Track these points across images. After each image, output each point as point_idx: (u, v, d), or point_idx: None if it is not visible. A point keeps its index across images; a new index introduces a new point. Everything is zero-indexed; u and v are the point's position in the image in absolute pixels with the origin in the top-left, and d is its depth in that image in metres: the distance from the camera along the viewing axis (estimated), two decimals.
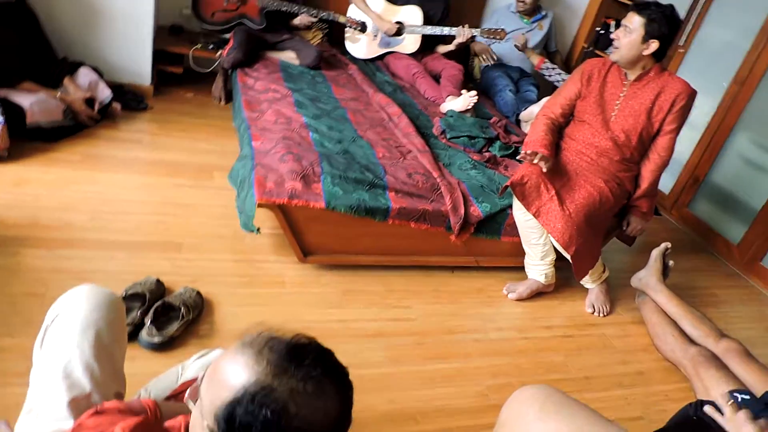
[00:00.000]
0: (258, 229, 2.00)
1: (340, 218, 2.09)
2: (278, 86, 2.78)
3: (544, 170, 2.15)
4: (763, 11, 3.02)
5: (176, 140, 2.83)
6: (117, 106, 2.85)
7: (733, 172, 3.21)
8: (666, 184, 3.46)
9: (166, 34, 3.35)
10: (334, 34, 3.68)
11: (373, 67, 3.53)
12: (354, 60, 3.53)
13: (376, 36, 3.56)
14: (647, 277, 2.42)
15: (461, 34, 3.36)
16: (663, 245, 2.45)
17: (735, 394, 1.88)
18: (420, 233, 2.25)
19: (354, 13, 3.51)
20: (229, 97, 3.29)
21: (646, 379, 2.13)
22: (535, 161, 2.13)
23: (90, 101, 2.70)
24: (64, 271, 1.86)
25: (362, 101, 2.91)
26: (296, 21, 3.26)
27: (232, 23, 3.20)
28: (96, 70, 2.83)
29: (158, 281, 1.85)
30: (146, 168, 2.57)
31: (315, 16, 3.27)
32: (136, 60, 3.08)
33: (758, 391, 1.91)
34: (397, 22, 3.46)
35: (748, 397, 1.86)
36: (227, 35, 3.20)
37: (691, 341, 2.18)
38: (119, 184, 2.39)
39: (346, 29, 3.57)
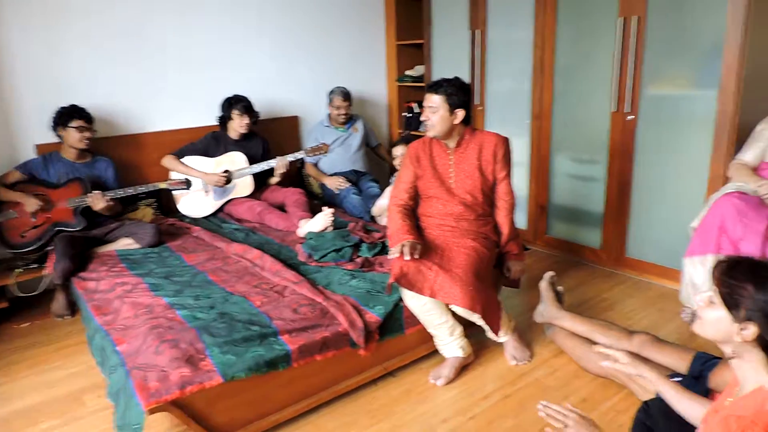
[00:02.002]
0: None
1: (243, 385, 1.92)
2: (125, 278, 2.57)
3: (417, 256, 2.21)
4: (528, 56, 3.51)
5: (26, 381, 2.45)
6: None
7: (567, 189, 3.56)
8: (521, 221, 3.73)
9: None
10: (164, 203, 3.59)
11: (216, 221, 3.46)
12: (195, 221, 3.44)
13: (208, 191, 3.52)
14: (546, 309, 2.52)
15: (280, 164, 3.49)
16: (547, 275, 2.58)
17: None
18: (329, 362, 2.14)
19: (177, 176, 3.47)
20: (75, 308, 2.99)
21: (591, 403, 2.16)
22: (406, 257, 2.19)
23: None
24: None
25: (219, 258, 2.80)
26: (98, 207, 2.99)
27: (48, 236, 2.95)
28: None
29: None
30: None
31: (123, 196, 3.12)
32: None
33: (680, 368, 2.02)
34: (225, 171, 3.47)
35: (679, 378, 1.96)
36: (49, 248, 2.94)
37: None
38: None
39: (174, 193, 3.50)
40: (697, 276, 2.54)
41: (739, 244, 2.38)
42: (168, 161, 3.49)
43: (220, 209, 3.57)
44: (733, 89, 2.63)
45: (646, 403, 1.75)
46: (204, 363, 1.87)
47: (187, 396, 1.78)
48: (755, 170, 2.61)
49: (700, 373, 1.94)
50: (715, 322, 1.27)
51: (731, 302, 1.23)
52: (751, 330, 1.19)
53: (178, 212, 3.54)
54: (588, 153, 3.38)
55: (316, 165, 3.99)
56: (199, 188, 3.51)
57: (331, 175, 3.93)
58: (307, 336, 2.07)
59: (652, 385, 1.61)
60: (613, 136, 3.18)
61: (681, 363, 2.03)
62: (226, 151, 3.56)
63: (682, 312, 2.72)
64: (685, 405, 1.56)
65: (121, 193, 3.09)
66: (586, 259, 3.50)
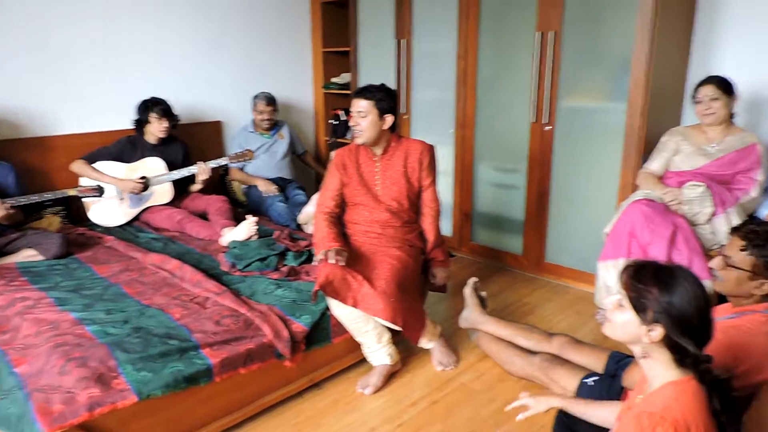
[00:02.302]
0: None
1: (160, 402, 1.81)
2: (26, 292, 2.37)
3: (343, 263, 2.19)
4: (452, 66, 3.58)
5: None
6: None
7: (490, 197, 3.66)
8: (446, 228, 3.79)
9: None
10: (73, 211, 3.36)
11: (132, 230, 3.27)
12: (108, 231, 3.24)
13: (123, 198, 3.33)
14: (471, 314, 2.57)
15: (201, 170, 3.35)
16: (470, 281, 2.63)
17: (584, 381, 2.05)
18: (253, 375, 2.07)
19: (88, 183, 3.27)
20: None
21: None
22: (331, 260, 2.16)
23: None
24: None
25: (134, 269, 2.65)
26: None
27: None
28: None
29: None
30: None
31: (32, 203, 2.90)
32: None
33: (597, 368, 2.11)
34: (141, 178, 3.30)
35: (596, 377, 2.04)
36: None
37: (531, 352, 2.33)
38: None
39: (84, 201, 3.29)
40: (610, 279, 2.67)
41: (647, 249, 2.52)
42: (78, 166, 3.27)
43: (136, 218, 3.39)
44: (640, 102, 2.80)
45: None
46: (116, 381, 1.75)
47: (96, 418, 1.66)
48: (661, 179, 2.79)
49: (615, 371, 2.03)
50: (624, 324, 1.31)
51: (639, 305, 1.28)
52: (658, 331, 1.25)
53: (89, 221, 3.32)
54: (510, 162, 3.49)
55: (242, 169, 3.88)
56: (113, 195, 3.32)
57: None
58: (230, 349, 1.99)
59: (564, 407, 1.67)
60: (533, 146, 3.30)
61: (597, 362, 2.12)
62: (143, 157, 3.39)
63: (597, 314, 2.85)
64: (598, 413, 1.62)
65: (23, 200, 2.86)
66: (509, 264, 3.60)
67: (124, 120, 3.52)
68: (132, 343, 1.92)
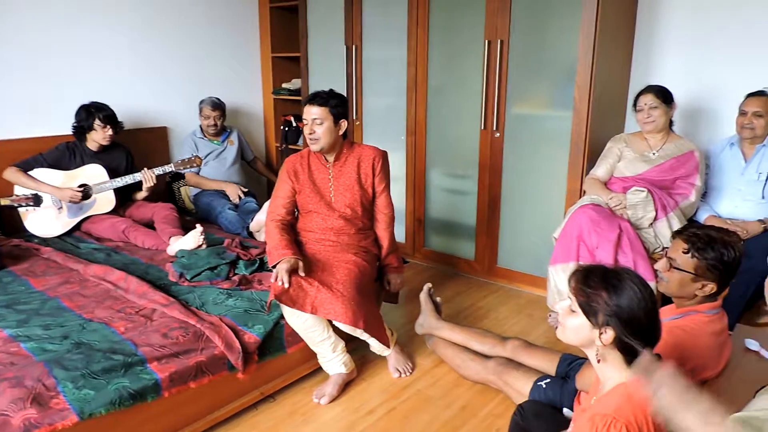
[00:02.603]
0: None
1: (104, 421, 1.72)
2: None
3: (302, 273, 2.17)
4: (403, 73, 3.60)
5: None
6: None
7: (443, 203, 3.69)
8: (399, 234, 3.79)
9: None
10: (7, 221, 3.17)
11: (72, 240, 3.12)
12: (46, 242, 3.07)
13: (61, 208, 3.17)
14: (426, 320, 2.57)
15: (147, 177, 3.19)
16: (425, 287, 2.64)
17: (538, 383, 2.08)
18: (204, 389, 2.00)
19: (23, 191, 3.09)
20: None
21: (470, 410, 2.22)
22: (283, 284, 2.13)
23: None
24: None
25: (75, 281, 2.52)
26: None
27: None
28: None
29: None
30: None
31: None
32: None
33: (550, 370, 2.15)
34: (82, 185, 3.15)
35: (549, 380, 2.08)
36: None
37: (486, 357, 2.35)
38: None
39: (19, 210, 3.11)
40: (560, 282, 2.73)
41: (595, 252, 2.59)
42: (11, 174, 3.09)
43: (77, 227, 3.23)
44: (585, 110, 2.89)
45: (520, 406, 1.83)
46: (56, 401, 1.65)
47: None
48: (607, 184, 2.88)
49: (567, 373, 2.07)
50: (576, 329, 1.33)
51: (589, 309, 1.30)
52: (610, 334, 1.27)
53: (26, 232, 3.14)
54: (461, 168, 3.53)
55: (198, 173, 3.77)
56: (50, 204, 3.15)
57: (205, 190, 3.73)
58: (179, 362, 1.92)
59: None
60: (483, 153, 3.35)
61: (550, 365, 2.16)
62: (83, 164, 3.23)
63: (549, 317, 2.91)
64: None
65: None
66: (462, 270, 3.63)
67: (62, 126, 3.36)
68: (72, 359, 1.82)
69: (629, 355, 1.28)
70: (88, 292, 2.41)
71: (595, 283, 1.30)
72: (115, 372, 1.79)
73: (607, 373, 1.34)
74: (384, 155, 2.54)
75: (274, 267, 2.24)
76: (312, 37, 4.13)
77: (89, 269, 2.60)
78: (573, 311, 1.34)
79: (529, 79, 3.11)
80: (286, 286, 2.13)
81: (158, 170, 3.25)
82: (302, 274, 2.19)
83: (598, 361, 1.34)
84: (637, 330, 1.26)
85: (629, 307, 1.26)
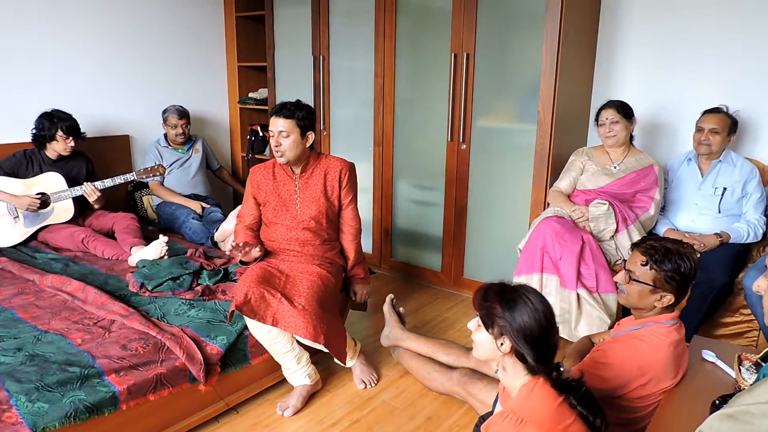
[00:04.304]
0: None
1: None
2: None
3: (258, 254, 2.31)
4: (370, 84, 3.62)
5: None
6: None
7: (409, 214, 3.71)
8: (366, 245, 3.78)
9: None
10: None
11: (28, 250, 3.01)
12: (0, 252, 2.96)
13: (17, 217, 3.07)
14: (391, 331, 2.57)
15: (89, 191, 3.05)
16: (388, 298, 2.64)
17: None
18: (164, 401, 1.95)
19: None
20: None
21: (435, 421, 2.22)
22: (247, 252, 2.26)
23: None
24: None
25: (30, 292, 2.43)
26: None
27: None
28: None
29: None
30: None
31: None
32: None
33: None
34: (40, 194, 3.05)
35: None
36: None
37: (451, 367, 2.36)
38: None
39: None
40: None
41: (558, 263, 2.64)
42: None
43: (33, 237, 3.13)
44: (549, 124, 2.95)
45: (482, 417, 1.84)
46: (8, 415, 1.59)
47: None
48: (570, 196, 2.94)
49: None
50: (482, 342, 1.45)
51: (488, 322, 1.42)
52: (507, 344, 1.39)
53: None
54: (428, 180, 3.55)
55: (162, 183, 3.69)
56: (6, 213, 3.05)
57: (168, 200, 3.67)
58: (138, 374, 1.87)
59: None
60: (449, 164, 3.39)
61: None
62: (41, 172, 3.14)
63: None
64: None
65: None
66: (429, 281, 3.65)
67: (19, 133, 3.26)
68: (26, 372, 1.76)
69: (527, 363, 1.39)
70: (44, 303, 2.33)
71: (491, 297, 1.43)
72: (70, 384, 1.73)
73: (510, 381, 1.45)
74: (351, 167, 2.54)
75: (241, 262, 2.35)
76: (279, 47, 4.12)
77: (46, 279, 2.52)
78: (479, 326, 1.46)
79: (495, 92, 3.17)
80: (255, 252, 2.27)
81: (119, 179, 3.15)
82: (259, 253, 2.32)
83: (500, 371, 1.46)
84: (530, 339, 1.37)
85: (521, 318, 1.37)
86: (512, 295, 1.41)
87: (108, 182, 3.13)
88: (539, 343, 1.38)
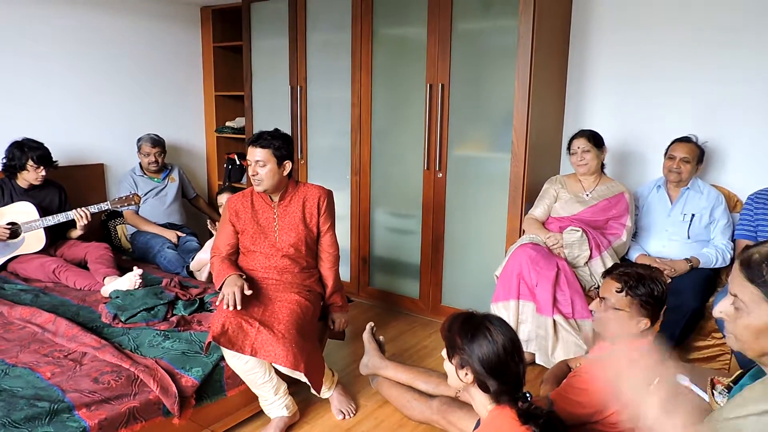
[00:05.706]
0: None
1: None
2: None
3: (248, 292, 2.19)
4: (347, 114, 3.66)
5: None
6: None
7: (387, 242, 3.72)
8: (344, 273, 3.77)
9: None
10: None
11: None
12: None
13: None
14: (370, 360, 2.54)
15: (78, 216, 3.04)
16: (368, 326, 2.62)
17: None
18: None
19: None
20: None
21: None
22: (237, 295, 2.15)
23: None
24: None
25: None
26: None
27: None
28: None
29: None
30: None
31: None
32: None
33: None
34: (10, 224, 2.99)
35: None
36: None
37: (430, 396, 2.34)
38: None
39: None
40: None
41: (534, 290, 2.67)
42: None
43: (2, 268, 3.05)
44: (522, 153, 3.01)
45: None
46: None
47: None
48: (544, 224, 2.99)
49: None
50: (450, 373, 1.49)
51: (452, 353, 1.46)
52: (470, 375, 1.43)
53: None
54: (405, 208, 3.58)
55: (137, 212, 3.65)
56: None
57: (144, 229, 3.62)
58: (110, 408, 1.82)
59: None
60: (426, 193, 3.42)
61: None
62: (12, 201, 3.08)
63: None
64: None
65: None
66: (407, 308, 3.64)
67: None
68: None
69: (490, 392, 1.42)
70: (12, 335, 2.27)
71: (454, 329, 1.46)
72: (39, 420, 1.68)
73: (479, 410, 1.48)
74: (329, 194, 2.55)
75: (220, 289, 2.26)
76: (256, 77, 4.16)
77: (14, 311, 2.46)
78: (445, 357, 1.50)
79: (470, 122, 3.23)
80: (239, 298, 2.15)
81: (93, 208, 3.12)
82: (248, 292, 2.20)
83: (471, 401, 1.50)
84: (491, 370, 1.40)
85: (480, 350, 1.40)
86: (474, 326, 1.44)
87: (93, 208, 3.09)
88: (500, 374, 1.40)
